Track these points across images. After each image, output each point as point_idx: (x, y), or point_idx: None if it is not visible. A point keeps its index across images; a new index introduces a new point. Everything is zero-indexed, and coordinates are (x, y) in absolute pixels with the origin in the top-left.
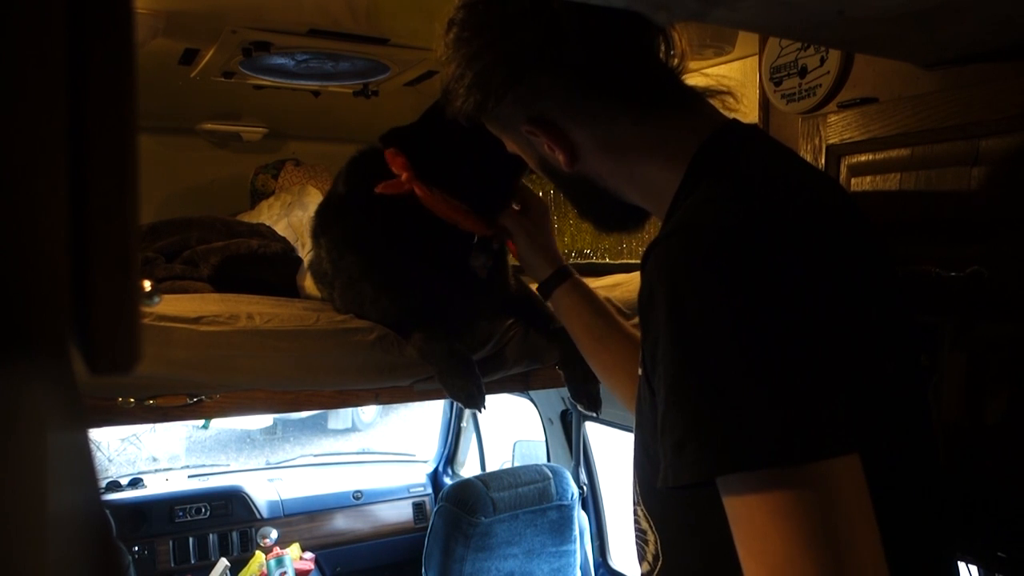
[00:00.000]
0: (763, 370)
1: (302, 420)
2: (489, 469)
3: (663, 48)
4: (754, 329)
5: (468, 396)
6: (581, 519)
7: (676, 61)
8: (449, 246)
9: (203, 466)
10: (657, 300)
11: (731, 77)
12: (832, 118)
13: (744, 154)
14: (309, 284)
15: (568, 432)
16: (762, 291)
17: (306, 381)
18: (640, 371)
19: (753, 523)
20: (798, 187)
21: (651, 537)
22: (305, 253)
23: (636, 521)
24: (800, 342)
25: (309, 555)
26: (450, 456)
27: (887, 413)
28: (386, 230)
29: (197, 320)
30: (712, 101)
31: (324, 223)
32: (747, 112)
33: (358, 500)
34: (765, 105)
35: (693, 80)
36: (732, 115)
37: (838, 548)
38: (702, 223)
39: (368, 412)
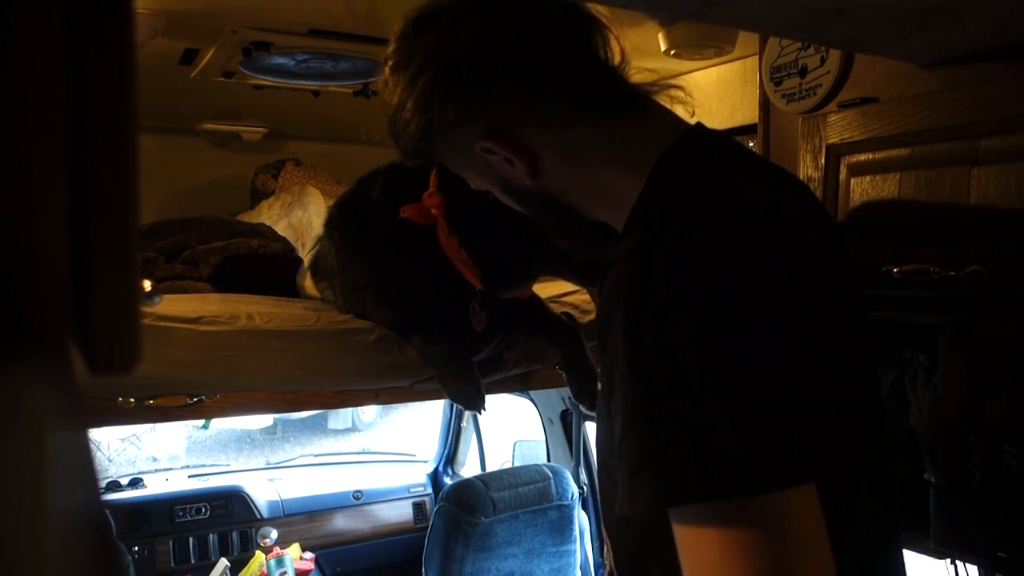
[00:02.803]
0: (719, 399)
1: (302, 420)
2: (489, 469)
3: (601, 47)
4: (711, 356)
5: (467, 398)
6: (581, 519)
7: (617, 60)
8: (458, 285)
9: (203, 466)
10: (614, 322)
11: (731, 77)
12: (832, 118)
13: (706, 166)
14: (309, 284)
15: (568, 432)
16: (720, 317)
17: (306, 381)
18: (599, 389)
19: (703, 556)
20: (759, 202)
21: (608, 552)
22: (305, 253)
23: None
24: (757, 370)
25: (309, 555)
26: (450, 456)
27: (844, 432)
28: (404, 249)
29: (197, 320)
30: (663, 96)
31: (343, 221)
32: (748, 110)
33: (358, 500)
34: (765, 105)
35: (638, 77)
36: (685, 108)
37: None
38: (660, 243)
39: (368, 412)
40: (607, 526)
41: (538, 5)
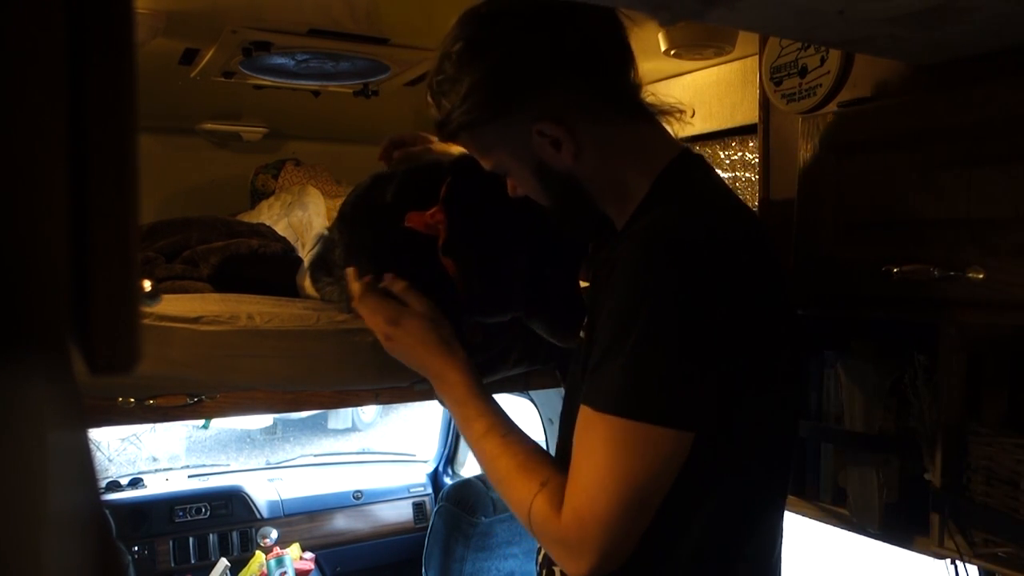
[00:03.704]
0: (666, 351)
1: (302, 420)
2: None
3: (632, 68)
4: (676, 319)
5: None
6: None
7: (639, 82)
8: (455, 299)
9: (203, 466)
10: (625, 272)
11: (731, 77)
12: (832, 118)
13: (700, 180)
14: (309, 284)
15: None
16: (698, 294)
17: (306, 381)
18: (583, 334)
19: (595, 443)
20: (736, 218)
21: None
22: (305, 253)
23: None
24: (702, 342)
25: (309, 555)
26: (450, 456)
27: (756, 409)
28: (406, 255)
29: (197, 320)
30: (669, 120)
31: (355, 219)
32: (748, 110)
33: (358, 500)
34: (765, 105)
35: (650, 99)
36: (686, 128)
37: (636, 493)
38: (668, 229)
39: (368, 412)
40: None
41: (595, 22)
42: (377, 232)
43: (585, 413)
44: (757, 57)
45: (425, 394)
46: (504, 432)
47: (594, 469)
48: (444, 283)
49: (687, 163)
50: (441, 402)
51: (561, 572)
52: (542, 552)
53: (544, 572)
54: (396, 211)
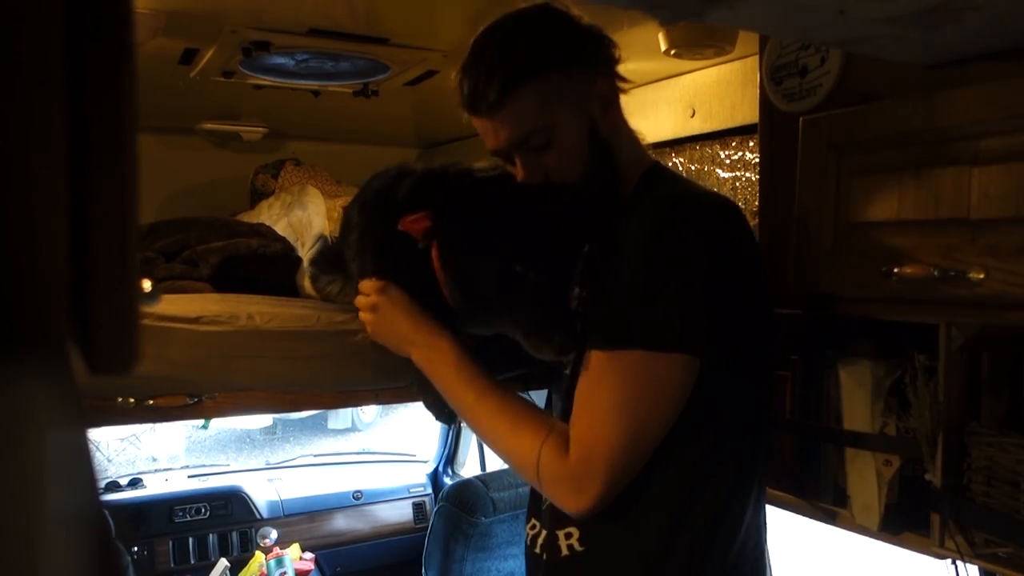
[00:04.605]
0: (673, 288)
1: (302, 420)
2: (489, 469)
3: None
4: (678, 274)
5: (438, 411)
6: None
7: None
8: (447, 307)
9: (203, 466)
10: (643, 229)
11: (731, 77)
12: (832, 118)
13: (683, 178)
14: (309, 284)
15: None
16: (699, 257)
17: (306, 382)
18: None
19: (599, 387)
20: (729, 204)
21: None
22: (305, 252)
23: None
24: (707, 287)
25: (309, 555)
26: (450, 456)
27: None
28: (406, 257)
29: (197, 320)
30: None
31: (374, 209)
32: (748, 110)
33: (358, 500)
34: (765, 105)
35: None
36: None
37: (640, 424)
38: (687, 197)
39: (368, 412)
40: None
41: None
42: (383, 228)
43: (591, 358)
44: (757, 57)
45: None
46: (501, 392)
47: (598, 405)
48: (436, 290)
49: (663, 167)
50: (422, 388)
51: (568, 543)
52: (536, 529)
53: (542, 540)
54: (405, 210)
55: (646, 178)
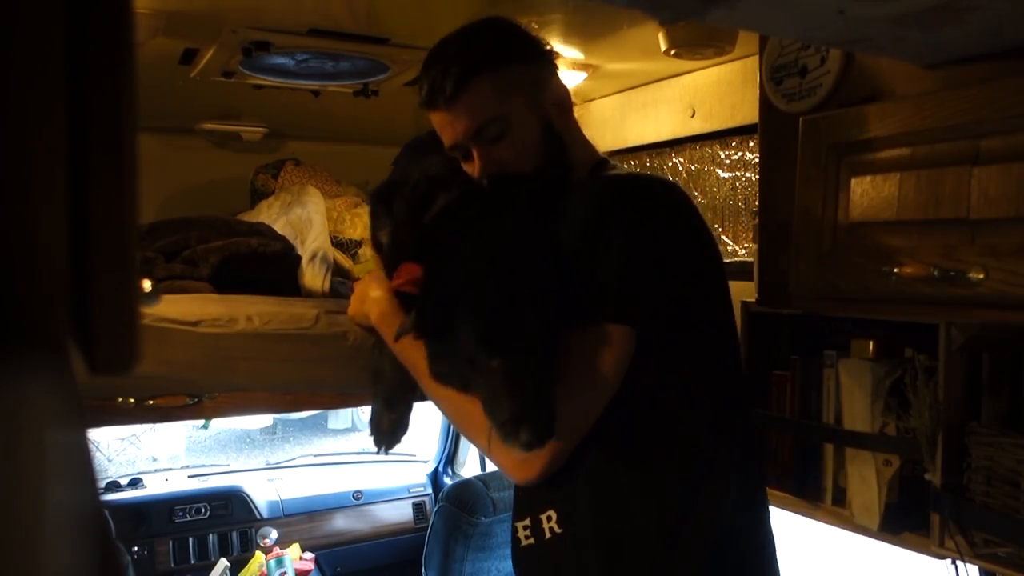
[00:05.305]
0: (631, 272)
1: (302, 420)
2: (489, 469)
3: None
4: (617, 248)
5: (377, 433)
6: None
7: None
8: None
9: (203, 466)
10: (582, 208)
11: (731, 77)
12: (832, 118)
13: (626, 170)
14: (309, 281)
15: None
16: (640, 230)
17: (304, 384)
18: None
19: (586, 352)
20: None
21: None
22: (305, 251)
23: None
24: (638, 265)
25: (309, 555)
26: (450, 456)
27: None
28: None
29: (196, 323)
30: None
31: (414, 205)
32: (748, 110)
33: (358, 500)
34: (765, 105)
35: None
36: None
37: (582, 393)
38: (629, 177)
39: (368, 412)
40: None
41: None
42: (413, 210)
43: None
44: (757, 57)
45: (424, 395)
46: None
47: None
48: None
49: (613, 162)
50: (388, 357)
51: (549, 525)
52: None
53: (529, 529)
54: (435, 223)
55: (594, 169)
